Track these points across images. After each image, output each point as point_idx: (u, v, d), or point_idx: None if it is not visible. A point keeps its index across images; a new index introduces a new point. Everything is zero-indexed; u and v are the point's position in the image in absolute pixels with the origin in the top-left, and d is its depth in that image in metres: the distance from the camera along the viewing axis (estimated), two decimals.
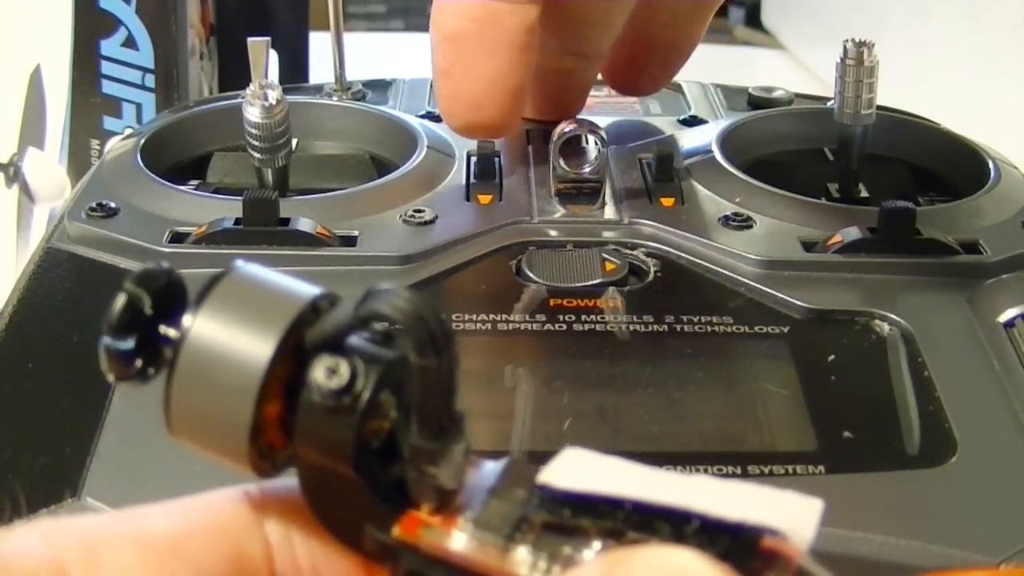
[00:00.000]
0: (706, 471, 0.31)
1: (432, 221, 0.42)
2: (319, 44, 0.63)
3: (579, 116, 0.47)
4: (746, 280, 0.39)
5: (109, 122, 0.59)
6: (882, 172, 0.47)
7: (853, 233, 0.40)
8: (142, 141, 0.46)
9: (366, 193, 0.43)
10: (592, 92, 0.50)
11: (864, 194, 0.46)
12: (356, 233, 0.41)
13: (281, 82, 0.46)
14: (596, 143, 0.43)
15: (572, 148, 0.43)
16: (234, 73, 0.64)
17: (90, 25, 0.58)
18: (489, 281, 0.39)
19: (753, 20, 1.02)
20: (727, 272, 0.40)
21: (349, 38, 0.52)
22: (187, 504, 0.22)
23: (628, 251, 0.41)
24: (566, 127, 0.43)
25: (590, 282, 0.39)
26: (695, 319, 0.37)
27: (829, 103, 0.47)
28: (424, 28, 0.43)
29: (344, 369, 0.20)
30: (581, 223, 0.42)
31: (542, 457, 0.21)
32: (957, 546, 0.29)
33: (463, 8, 0.41)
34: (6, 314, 0.37)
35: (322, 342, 0.20)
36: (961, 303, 0.38)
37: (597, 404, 0.34)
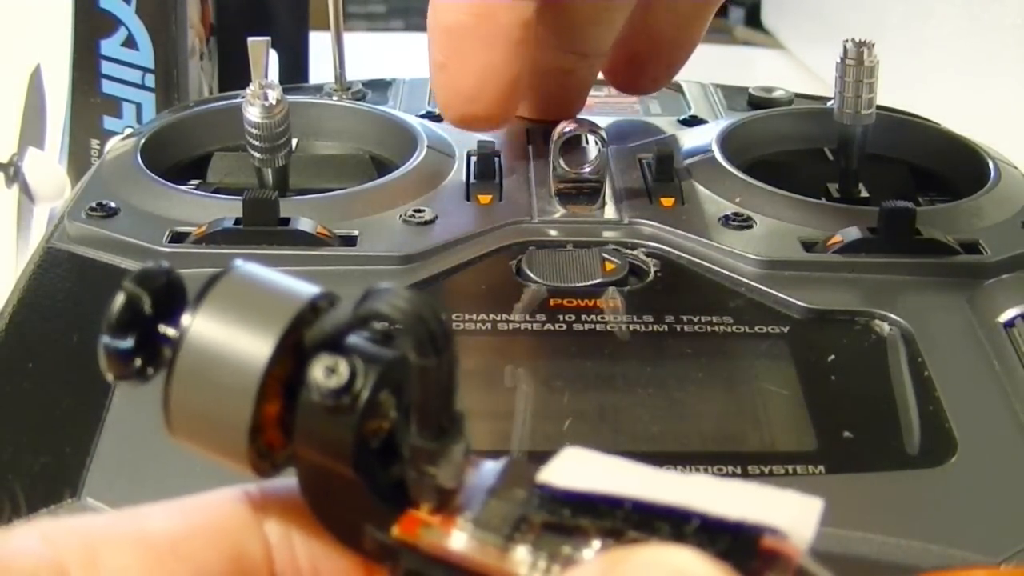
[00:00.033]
0: (706, 471, 0.31)
1: (432, 221, 0.42)
2: (319, 44, 0.63)
3: (579, 116, 0.47)
4: (746, 280, 0.39)
5: (109, 122, 0.59)
6: (882, 172, 0.47)
7: (853, 233, 0.40)
8: (142, 141, 0.46)
9: (366, 193, 0.43)
10: (592, 92, 0.50)
11: (864, 194, 0.46)
12: (356, 233, 0.41)
13: (281, 82, 0.46)
14: (596, 143, 0.43)
15: (572, 148, 0.43)
16: (234, 73, 0.64)
17: (90, 25, 0.58)
18: (489, 281, 0.39)
19: (753, 20, 1.02)
20: (727, 272, 0.40)
21: (349, 38, 0.52)
22: (187, 504, 0.22)
23: (628, 251, 0.41)
24: (566, 127, 0.43)
25: (590, 282, 0.39)
26: (695, 319, 0.37)
27: (829, 103, 0.47)
28: (424, 28, 0.43)
29: (343, 368, 0.20)
30: (581, 223, 0.42)
31: (542, 457, 0.21)
32: (957, 546, 0.29)
33: (461, 2, 0.41)
34: (6, 314, 0.37)
35: (321, 341, 0.20)
36: (961, 303, 0.38)
37: (597, 404, 0.34)
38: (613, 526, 0.20)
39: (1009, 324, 0.37)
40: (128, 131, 0.56)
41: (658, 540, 0.19)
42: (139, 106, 0.59)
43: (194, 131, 0.48)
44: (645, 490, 0.20)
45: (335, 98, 0.52)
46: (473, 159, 0.45)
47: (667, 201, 0.43)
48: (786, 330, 0.37)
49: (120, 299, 0.21)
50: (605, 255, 0.40)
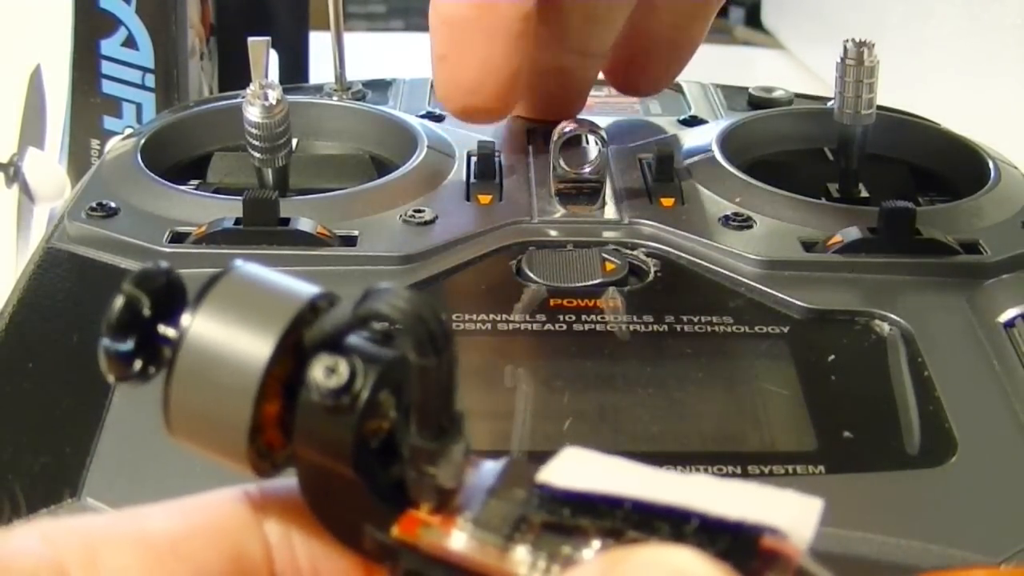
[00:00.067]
0: (706, 471, 0.31)
1: (432, 221, 0.42)
2: (319, 44, 0.63)
3: (579, 116, 0.47)
4: (746, 280, 0.39)
5: (109, 122, 0.59)
6: (882, 172, 0.47)
7: (853, 233, 0.40)
8: (142, 141, 0.46)
9: (366, 193, 0.43)
10: (592, 92, 0.50)
11: (864, 194, 0.46)
12: (356, 233, 0.41)
13: (281, 82, 0.46)
14: (596, 143, 0.43)
15: (572, 148, 0.43)
16: (234, 73, 0.64)
17: (90, 25, 0.58)
18: (489, 281, 0.39)
19: (753, 20, 1.02)
20: (727, 272, 0.40)
21: (349, 38, 0.52)
22: (187, 504, 0.22)
23: (628, 251, 0.41)
24: (566, 127, 0.43)
25: (590, 282, 0.39)
26: (695, 319, 0.37)
27: (829, 103, 0.47)
28: (424, 28, 0.43)
29: (343, 368, 0.20)
30: (581, 223, 0.42)
31: (542, 457, 0.21)
32: (957, 546, 0.29)
33: None
34: (6, 314, 0.37)
35: (321, 341, 0.20)
36: (961, 303, 0.38)
37: (597, 404, 0.34)
38: (613, 526, 0.20)
39: (1009, 324, 0.37)
40: (128, 131, 0.56)
41: (658, 540, 0.19)
42: (139, 106, 0.59)
43: (194, 131, 0.48)
44: (645, 490, 0.20)
45: (335, 98, 0.52)
46: (473, 159, 0.45)
47: (667, 201, 0.43)
48: (786, 330, 0.37)
49: (119, 301, 0.21)
50: (605, 255, 0.40)
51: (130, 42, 0.58)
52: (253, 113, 0.43)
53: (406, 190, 0.43)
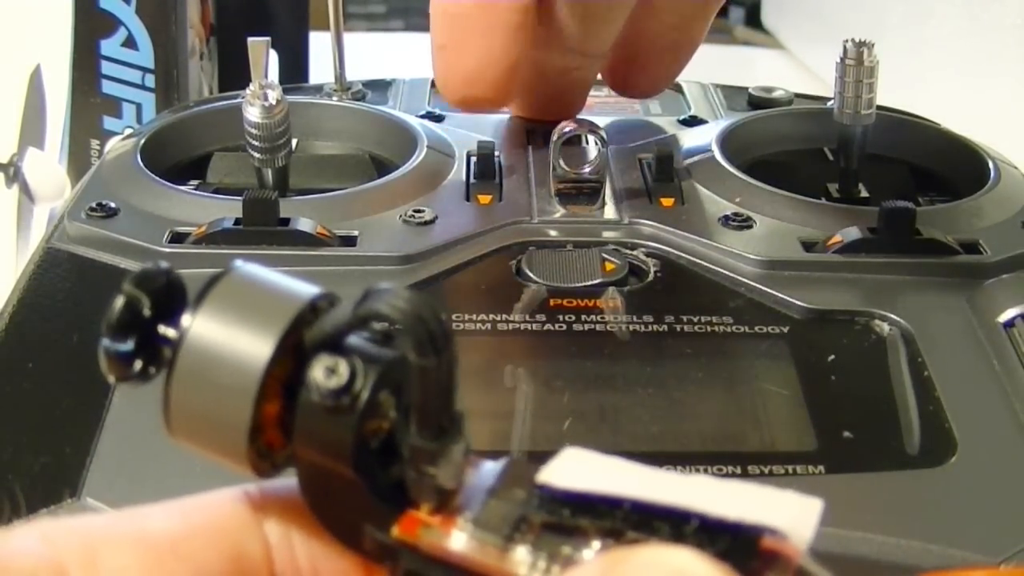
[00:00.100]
0: (706, 471, 0.31)
1: (432, 221, 0.42)
2: (319, 44, 0.63)
3: (579, 116, 0.47)
4: (746, 280, 0.39)
5: (109, 122, 0.59)
6: (882, 172, 0.47)
7: (853, 233, 0.40)
8: (142, 141, 0.46)
9: (366, 193, 0.43)
10: (592, 92, 0.50)
11: (864, 194, 0.46)
12: (356, 233, 0.41)
13: (281, 82, 0.46)
14: (596, 143, 0.43)
15: (572, 148, 0.43)
16: (234, 73, 0.64)
17: (90, 25, 0.58)
18: (489, 281, 0.39)
19: (753, 20, 1.02)
20: (727, 272, 0.40)
21: (349, 38, 0.52)
22: (187, 504, 0.22)
23: (628, 251, 0.41)
24: (566, 127, 0.43)
25: (590, 282, 0.39)
26: (695, 319, 0.37)
27: (829, 103, 0.47)
28: (424, 28, 0.43)
29: (343, 369, 0.20)
30: (581, 223, 0.42)
31: (542, 457, 0.21)
32: (957, 546, 0.29)
33: None
34: (6, 314, 0.37)
35: (321, 342, 0.20)
36: (961, 303, 0.38)
37: (597, 404, 0.34)
38: (613, 526, 0.20)
39: (1009, 324, 0.37)
40: (128, 131, 0.56)
41: (658, 540, 0.19)
42: (139, 106, 0.59)
43: (194, 131, 0.48)
44: (645, 490, 0.20)
45: (335, 98, 0.52)
46: (473, 159, 0.45)
47: (667, 201, 0.43)
48: (786, 330, 0.37)
49: (119, 301, 0.21)
50: (605, 255, 0.40)
51: (130, 42, 0.58)
52: (253, 113, 0.43)
53: (406, 190, 0.43)
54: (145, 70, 0.58)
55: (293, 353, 0.20)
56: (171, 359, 0.20)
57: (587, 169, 0.43)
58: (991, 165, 0.45)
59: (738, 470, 0.31)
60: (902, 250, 0.40)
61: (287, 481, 0.21)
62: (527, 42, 0.43)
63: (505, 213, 0.43)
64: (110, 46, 0.58)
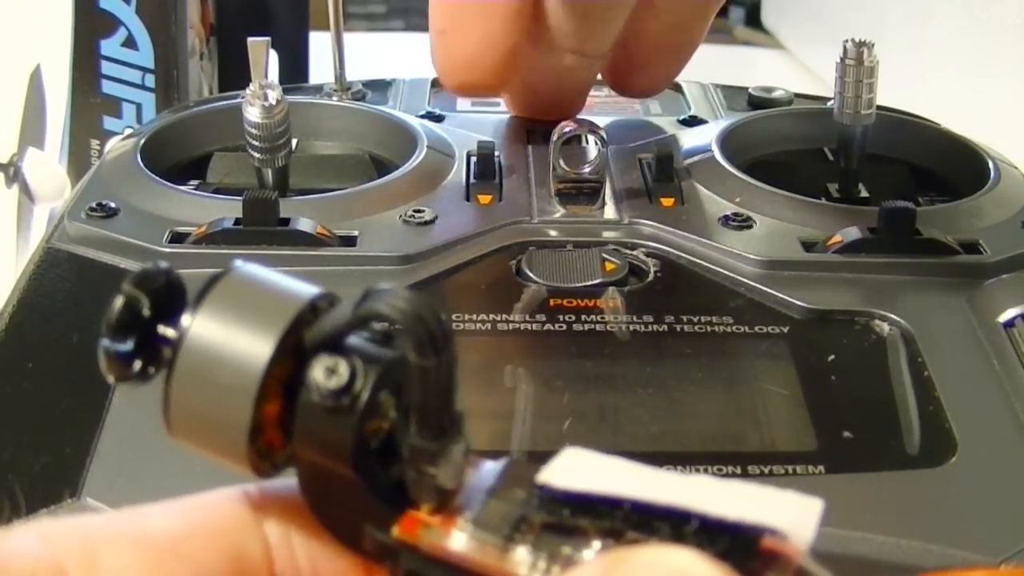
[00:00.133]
0: (706, 471, 0.31)
1: (432, 221, 0.42)
2: (319, 44, 0.63)
3: (579, 116, 0.47)
4: (746, 280, 0.39)
5: (109, 122, 0.59)
6: (882, 172, 0.47)
7: (853, 233, 0.40)
8: (142, 141, 0.46)
9: (366, 193, 0.43)
10: (592, 92, 0.50)
11: (864, 194, 0.46)
12: (356, 233, 0.41)
13: (281, 82, 0.46)
14: (596, 143, 0.43)
15: (572, 148, 0.43)
16: (234, 73, 0.64)
17: (90, 25, 0.58)
18: (489, 281, 0.39)
19: (753, 20, 1.02)
20: (727, 272, 0.40)
21: (349, 38, 0.52)
22: (186, 504, 0.22)
23: (628, 251, 0.41)
24: (566, 127, 0.43)
25: (590, 282, 0.39)
26: (695, 319, 0.37)
27: (829, 103, 0.47)
28: (424, 28, 0.44)
29: (343, 369, 0.20)
30: (581, 223, 0.42)
31: (542, 457, 0.21)
32: (957, 546, 0.29)
33: None
34: (6, 314, 0.37)
35: (321, 342, 0.20)
36: (961, 303, 0.38)
37: (597, 404, 0.34)
38: (613, 526, 0.20)
39: (1009, 324, 0.37)
40: (128, 131, 0.56)
41: (658, 540, 0.19)
42: (139, 106, 0.59)
43: (194, 131, 0.48)
44: (645, 490, 0.20)
45: (335, 98, 0.52)
46: (473, 159, 0.45)
47: (667, 201, 0.43)
48: (786, 330, 0.37)
49: (119, 301, 0.21)
50: (605, 255, 0.40)
51: (130, 42, 0.58)
52: (253, 113, 0.43)
53: (406, 190, 0.43)
54: (145, 70, 0.58)
55: (293, 353, 0.20)
56: (171, 359, 0.20)
57: (587, 169, 0.43)
58: (991, 165, 0.45)
59: (738, 470, 0.31)
60: (902, 250, 0.40)
61: (287, 481, 0.21)
62: (525, 28, 0.44)
63: (505, 213, 0.43)
64: (110, 46, 0.58)
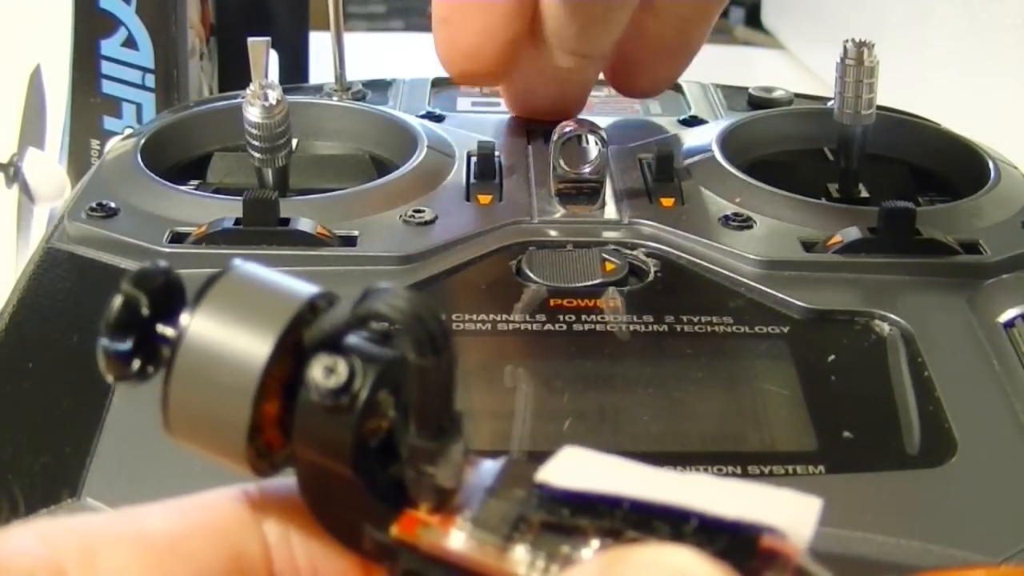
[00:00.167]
0: (706, 471, 0.31)
1: (432, 221, 0.42)
2: (319, 44, 0.63)
3: (579, 116, 0.47)
4: (746, 280, 0.39)
5: (109, 122, 0.59)
6: (882, 172, 0.47)
7: (853, 233, 0.40)
8: (142, 141, 0.46)
9: (366, 193, 0.43)
10: (592, 92, 0.50)
11: (864, 194, 0.46)
12: (356, 233, 0.41)
13: (281, 82, 0.46)
14: (596, 143, 0.43)
15: (572, 148, 0.43)
16: (234, 73, 0.64)
17: (90, 25, 0.58)
18: (489, 281, 0.39)
19: (753, 20, 1.02)
20: (727, 272, 0.40)
21: (349, 38, 0.52)
22: (186, 504, 0.22)
23: (628, 251, 0.41)
24: (566, 127, 0.43)
25: (590, 282, 0.39)
26: (695, 319, 0.37)
27: (829, 103, 0.47)
28: (423, 28, 0.44)
29: (342, 368, 0.20)
30: (581, 223, 0.42)
31: (542, 457, 0.21)
32: (957, 546, 0.29)
33: None
34: (6, 314, 0.37)
35: (320, 341, 0.20)
36: (961, 303, 0.38)
37: (597, 404, 0.34)
38: (612, 526, 0.20)
39: (1009, 324, 0.37)
40: (128, 131, 0.56)
41: (657, 540, 0.19)
42: (139, 106, 0.59)
43: (194, 131, 0.48)
44: (644, 489, 0.20)
45: (335, 98, 0.52)
46: (473, 159, 0.45)
47: (667, 201, 0.43)
48: (786, 330, 0.37)
49: (118, 301, 0.21)
50: (605, 255, 0.40)
51: (130, 42, 0.58)
52: (253, 113, 0.43)
53: (406, 190, 0.43)
54: (145, 70, 0.58)
55: (292, 352, 0.20)
56: (170, 358, 0.20)
57: (587, 169, 0.43)
58: (991, 165, 0.45)
59: (738, 470, 0.31)
60: (902, 250, 0.40)
61: (286, 481, 0.21)
62: (525, 21, 0.44)
63: (505, 213, 0.43)
64: (110, 46, 0.58)
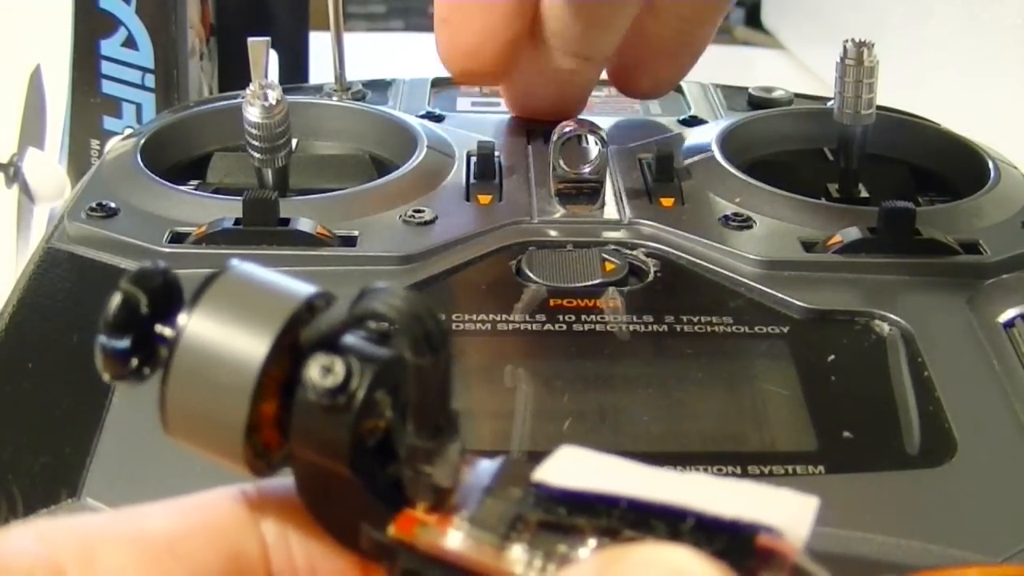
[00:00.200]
0: (706, 471, 0.31)
1: (432, 221, 0.42)
2: (319, 44, 0.63)
3: (579, 116, 0.47)
4: (746, 280, 0.39)
5: (109, 122, 0.59)
6: (882, 172, 0.47)
7: (853, 233, 0.40)
8: (142, 141, 0.46)
9: (366, 193, 0.43)
10: (593, 92, 0.50)
11: (864, 194, 0.46)
12: (356, 233, 0.41)
13: (281, 82, 0.46)
14: (596, 143, 0.43)
15: (572, 148, 0.43)
16: (234, 73, 0.64)
17: (90, 25, 0.58)
18: (489, 281, 0.39)
19: (753, 20, 1.02)
20: (727, 272, 0.40)
21: (349, 38, 0.52)
22: (184, 503, 0.22)
23: (628, 251, 0.41)
24: (566, 127, 0.43)
25: (590, 282, 0.39)
26: (695, 319, 0.37)
27: (829, 103, 0.47)
28: (423, 28, 0.44)
29: (339, 368, 0.20)
30: (581, 223, 0.42)
31: (541, 457, 0.21)
32: (957, 546, 0.29)
33: None
34: (6, 314, 0.37)
35: (317, 341, 0.20)
36: (961, 303, 0.38)
37: (597, 404, 0.34)
38: (609, 525, 0.20)
39: (1009, 324, 0.37)
40: (128, 131, 0.56)
41: (654, 539, 0.19)
42: (139, 106, 0.59)
43: (194, 131, 0.48)
44: (641, 489, 0.20)
45: (335, 98, 0.52)
46: (473, 159, 0.45)
47: (667, 201, 0.43)
48: (786, 330, 0.37)
49: (116, 299, 0.21)
50: (605, 255, 0.40)
51: (130, 42, 0.58)
52: (253, 113, 0.43)
53: (406, 190, 0.43)
54: (145, 70, 0.58)
55: (289, 352, 0.20)
56: (167, 358, 0.20)
57: (587, 169, 0.43)
58: (991, 165, 0.45)
59: (738, 470, 0.31)
60: (902, 250, 0.40)
61: (284, 480, 0.21)
62: (526, 22, 0.44)
63: (505, 213, 0.43)
64: (110, 46, 0.58)
